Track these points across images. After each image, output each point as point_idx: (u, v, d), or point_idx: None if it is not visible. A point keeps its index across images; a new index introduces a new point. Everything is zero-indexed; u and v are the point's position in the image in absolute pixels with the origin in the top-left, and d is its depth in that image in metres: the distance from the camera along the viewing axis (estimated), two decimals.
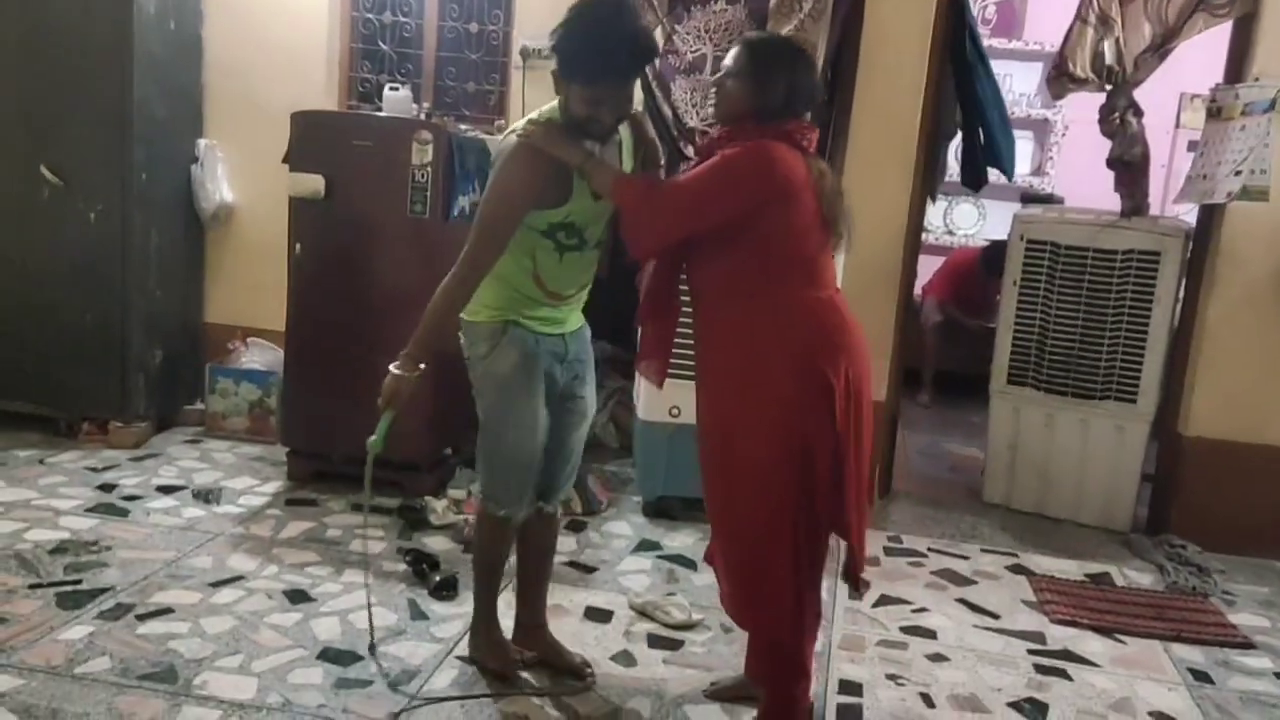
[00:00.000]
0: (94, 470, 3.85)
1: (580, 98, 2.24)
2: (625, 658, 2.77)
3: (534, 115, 2.36)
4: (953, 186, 5.49)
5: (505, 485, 2.49)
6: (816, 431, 2.18)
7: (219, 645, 2.65)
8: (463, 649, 2.70)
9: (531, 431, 2.45)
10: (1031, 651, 3.01)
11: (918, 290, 5.74)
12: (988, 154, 4.35)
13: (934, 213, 6.69)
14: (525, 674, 2.62)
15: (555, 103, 2.35)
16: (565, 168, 2.29)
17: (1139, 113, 3.97)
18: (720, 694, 2.60)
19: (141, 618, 2.76)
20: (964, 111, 4.23)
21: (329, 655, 2.64)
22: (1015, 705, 2.69)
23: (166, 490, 3.70)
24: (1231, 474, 3.88)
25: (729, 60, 2.30)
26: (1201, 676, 2.94)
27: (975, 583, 3.49)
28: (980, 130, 4.24)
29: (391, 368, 2.32)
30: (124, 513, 3.47)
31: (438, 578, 3.05)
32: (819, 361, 2.18)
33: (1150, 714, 2.71)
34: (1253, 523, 3.88)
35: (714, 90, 2.58)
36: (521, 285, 2.40)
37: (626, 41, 2.21)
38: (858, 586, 2.38)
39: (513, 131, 2.36)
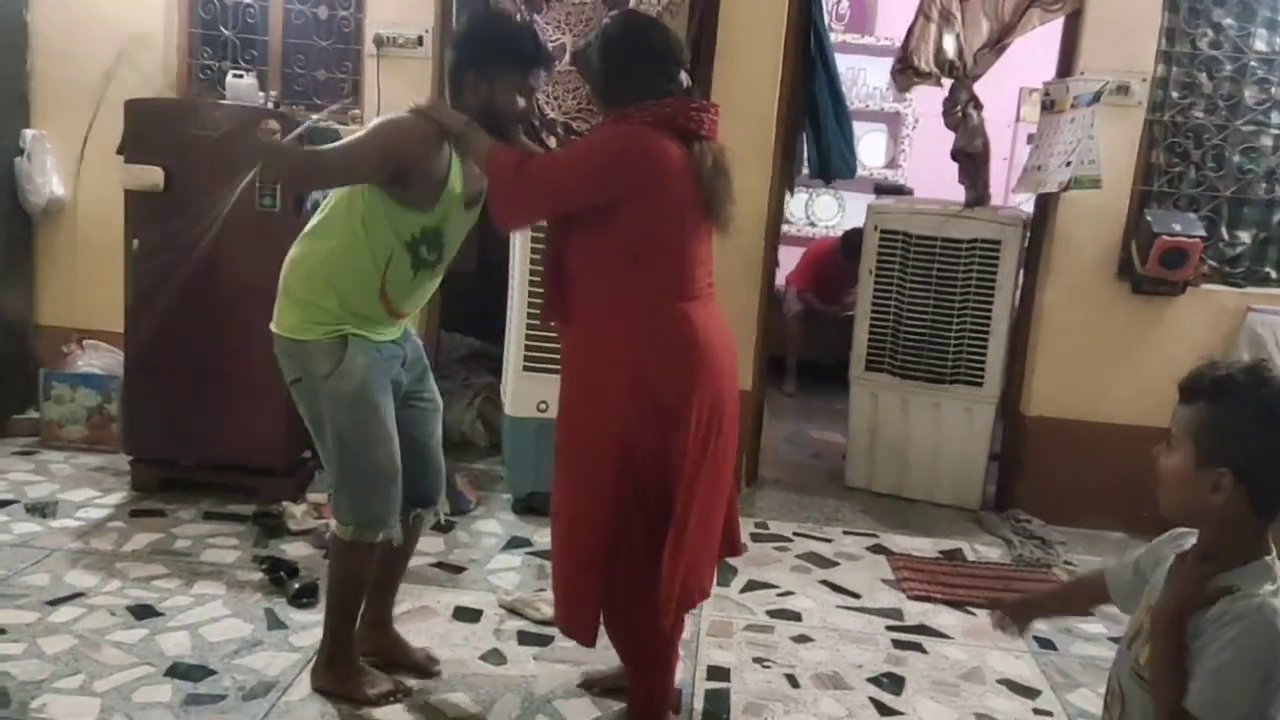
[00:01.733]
0: None
1: (511, 88, 2.26)
2: (495, 656, 2.74)
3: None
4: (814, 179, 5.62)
5: (383, 506, 2.37)
6: (640, 450, 2.14)
7: (58, 666, 2.49)
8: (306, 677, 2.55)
9: (392, 443, 2.36)
10: (890, 628, 3.12)
11: (780, 281, 5.87)
12: (822, 151, 4.48)
13: (796, 205, 6.86)
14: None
15: None
16: (436, 154, 2.24)
17: (979, 106, 4.15)
18: (591, 684, 2.59)
19: None
20: (811, 106, 4.34)
21: (178, 671, 2.52)
22: (875, 680, 2.79)
23: None
24: (1069, 450, 4.11)
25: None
26: (1046, 644, 3.11)
27: (838, 564, 3.59)
28: (820, 126, 4.37)
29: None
30: None
31: (297, 585, 2.94)
32: (650, 381, 2.13)
33: (999, 681, 2.84)
34: (1090, 495, 4.11)
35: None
36: (363, 304, 2.29)
37: (545, 41, 2.25)
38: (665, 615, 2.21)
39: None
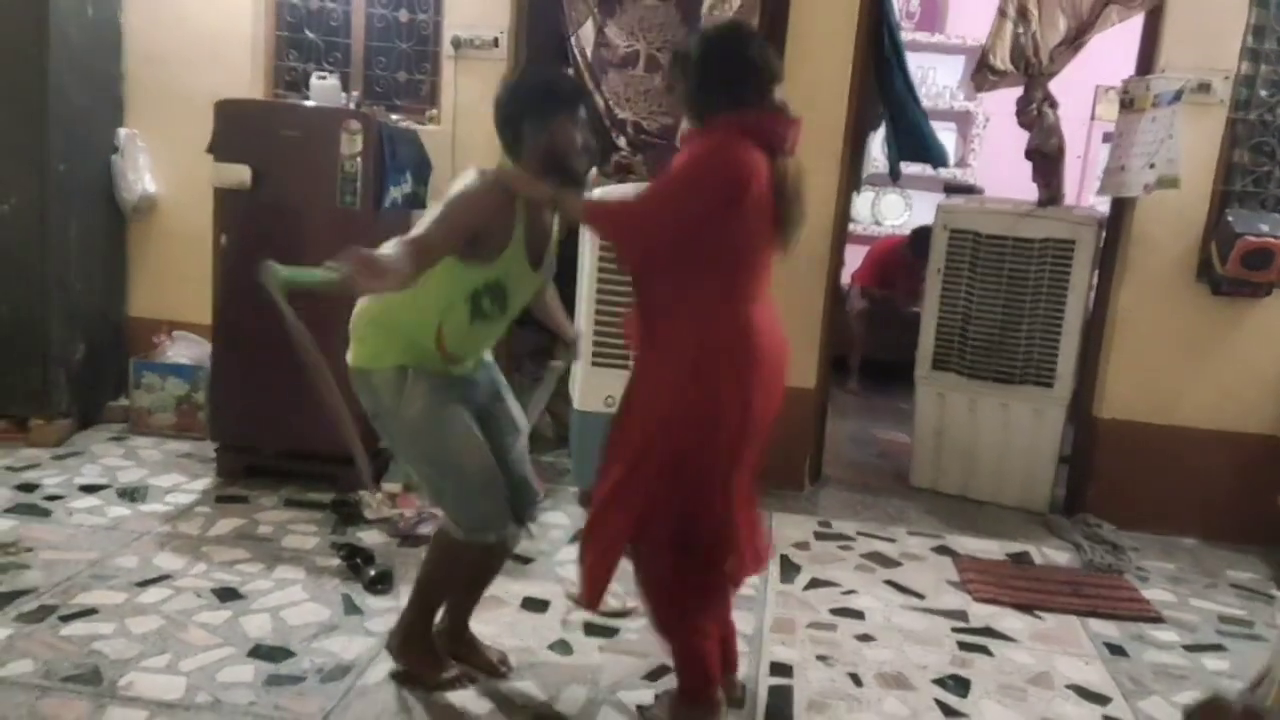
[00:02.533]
0: (13, 470, 3.75)
1: (566, 126, 2.31)
2: (562, 646, 2.80)
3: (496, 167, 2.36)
4: (880, 178, 5.60)
5: (489, 510, 2.41)
6: (686, 443, 2.20)
7: (145, 645, 2.61)
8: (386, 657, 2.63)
9: (479, 446, 2.39)
10: (955, 630, 3.11)
11: (845, 279, 5.86)
12: (917, 147, 4.46)
13: (862, 204, 6.83)
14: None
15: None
16: (509, 217, 2.30)
17: (1055, 104, 4.10)
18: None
19: (64, 619, 2.70)
20: (884, 105, 4.33)
21: (260, 652, 2.62)
22: (939, 681, 2.78)
23: (90, 489, 3.62)
24: (1143, 454, 4.04)
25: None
26: (1116, 650, 3.07)
27: (902, 564, 3.58)
28: (900, 123, 4.35)
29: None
30: (45, 513, 3.39)
31: (373, 572, 3.04)
32: (712, 384, 2.18)
33: (1068, 687, 2.82)
34: (1163, 501, 4.04)
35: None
36: (421, 340, 2.34)
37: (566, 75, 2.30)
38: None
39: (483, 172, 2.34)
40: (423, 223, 2.26)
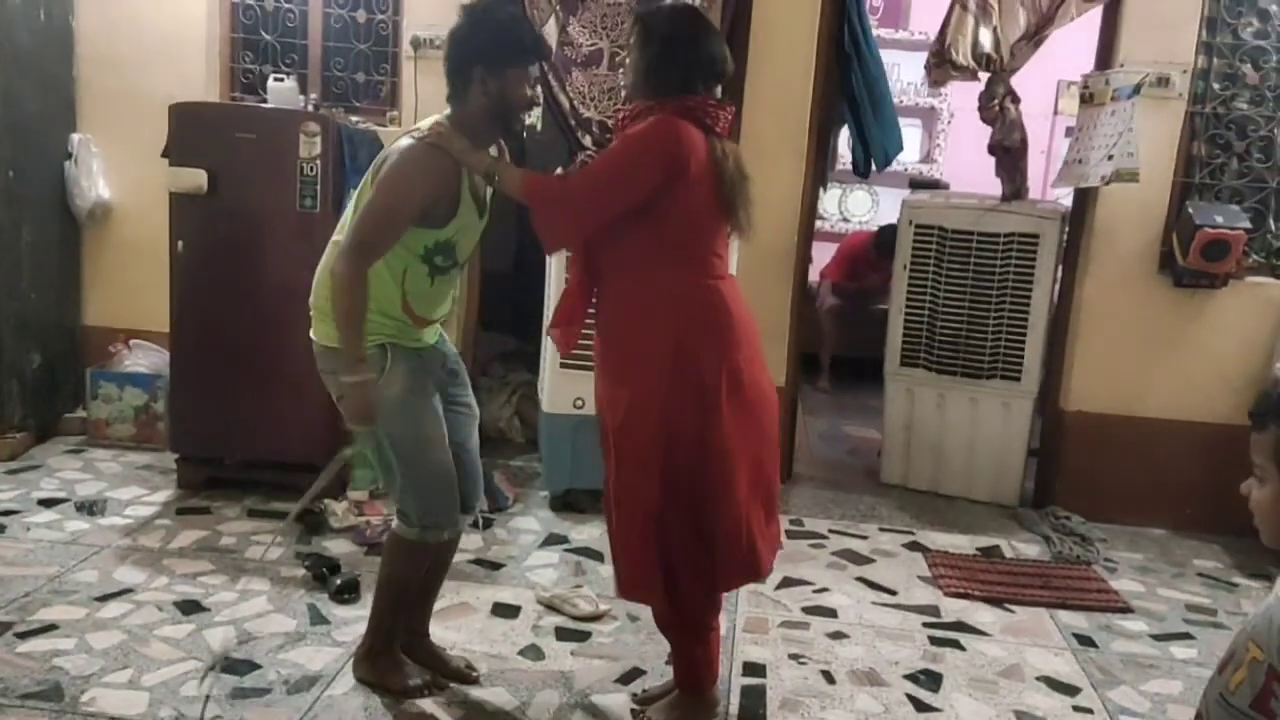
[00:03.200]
0: None
1: (520, 79, 2.28)
2: (534, 651, 2.77)
3: (422, 125, 2.32)
4: (847, 174, 5.61)
5: (443, 505, 2.41)
6: (681, 422, 2.19)
7: (107, 660, 2.55)
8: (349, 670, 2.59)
9: (445, 442, 2.40)
10: (927, 625, 3.11)
11: (814, 276, 5.86)
12: (864, 144, 4.47)
13: (829, 200, 6.84)
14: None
15: (439, 116, 2.32)
16: (454, 182, 2.27)
17: (1017, 99, 4.11)
18: (648, 701, 2.54)
19: (22, 635, 2.64)
20: (847, 102, 4.33)
21: (224, 665, 2.57)
22: (911, 677, 2.78)
23: (47, 503, 3.54)
24: (1110, 446, 4.07)
25: (636, 20, 2.32)
26: (1085, 641, 3.08)
27: (874, 561, 3.58)
28: (858, 120, 4.36)
29: (345, 379, 2.23)
30: (1, 528, 3.31)
31: (339, 581, 2.99)
32: (692, 352, 2.19)
33: (1038, 678, 2.83)
34: (1131, 492, 4.08)
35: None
36: (389, 310, 2.32)
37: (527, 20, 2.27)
38: (724, 584, 2.38)
39: (408, 135, 2.31)
40: (367, 211, 2.21)
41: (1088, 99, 3.98)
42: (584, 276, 2.35)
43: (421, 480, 2.38)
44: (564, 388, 3.69)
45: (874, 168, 4.57)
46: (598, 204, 2.21)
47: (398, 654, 2.54)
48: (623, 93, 3.89)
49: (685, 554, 2.27)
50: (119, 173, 4.30)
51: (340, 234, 2.34)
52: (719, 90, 2.30)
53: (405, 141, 2.28)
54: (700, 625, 2.37)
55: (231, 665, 2.57)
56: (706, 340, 2.21)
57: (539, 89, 2.38)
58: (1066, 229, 4.14)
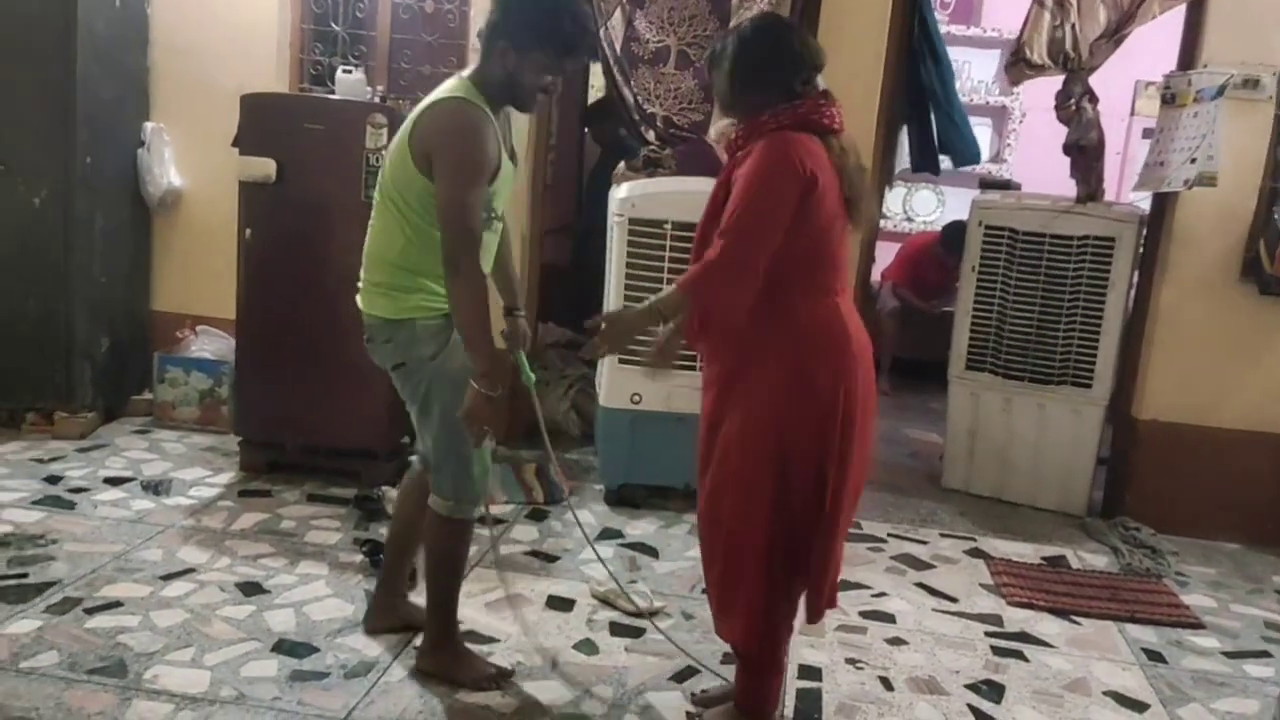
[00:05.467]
0: (39, 462, 3.75)
1: (540, 66, 2.27)
2: (588, 646, 2.75)
3: (457, 86, 2.29)
4: (910, 173, 5.51)
5: (477, 484, 2.43)
6: (796, 447, 2.14)
7: (170, 638, 2.59)
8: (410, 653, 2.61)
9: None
10: (989, 634, 3.03)
11: (876, 277, 5.77)
12: (945, 143, 4.39)
13: (893, 199, 6.74)
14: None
15: (464, 76, 2.31)
16: (496, 146, 2.27)
17: (1094, 99, 4.00)
18: (707, 702, 2.51)
19: (90, 611, 2.69)
20: (912, 99, 4.25)
21: (283, 648, 2.59)
22: (973, 687, 2.71)
23: (114, 482, 3.62)
24: (1184, 457, 3.94)
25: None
26: (1155, 656, 2.99)
27: (934, 567, 3.51)
28: (932, 118, 4.28)
29: (475, 386, 2.22)
30: (71, 505, 3.38)
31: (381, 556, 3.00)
32: (810, 375, 2.13)
33: (1105, 693, 2.74)
34: (1204, 505, 3.94)
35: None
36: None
37: (593, 26, 2.24)
38: (813, 616, 2.30)
39: (449, 98, 2.27)
40: (450, 200, 2.20)
41: (1169, 100, 3.85)
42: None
43: (464, 455, 2.38)
44: (621, 383, 3.67)
45: (947, 164, 4.48)
46: (754, 253, 2.10)
47: (461, 645, 2.55)
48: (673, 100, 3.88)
49: (785, 583, 2.22)
50: (190, 161, 4.37)
51: (379, 193, 2.36)
52: (820, 81, 2.21)
53: (450, 108, 2.24)
54: (778, 654, 2.32)
55: (291, 647, 2.60)
56: (825, 363, 2.14)
57: (559, 81, 2.34)
58: (1144, 233, 4.02)
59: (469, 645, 2.60)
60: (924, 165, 4.50)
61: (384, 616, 2.69)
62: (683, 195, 3.51)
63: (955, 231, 4.88)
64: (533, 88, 2.30)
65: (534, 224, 4.31)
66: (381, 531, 3.35)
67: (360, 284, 2.43)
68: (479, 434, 2.29)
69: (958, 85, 4.68)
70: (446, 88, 2.31)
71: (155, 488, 3.58)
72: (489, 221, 2.36)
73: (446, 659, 2.51)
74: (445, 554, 2.49)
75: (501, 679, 2.50)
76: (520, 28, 2.24)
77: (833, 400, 2.13)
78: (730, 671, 2.48)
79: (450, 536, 2.47)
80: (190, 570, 2.98)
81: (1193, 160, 3.65)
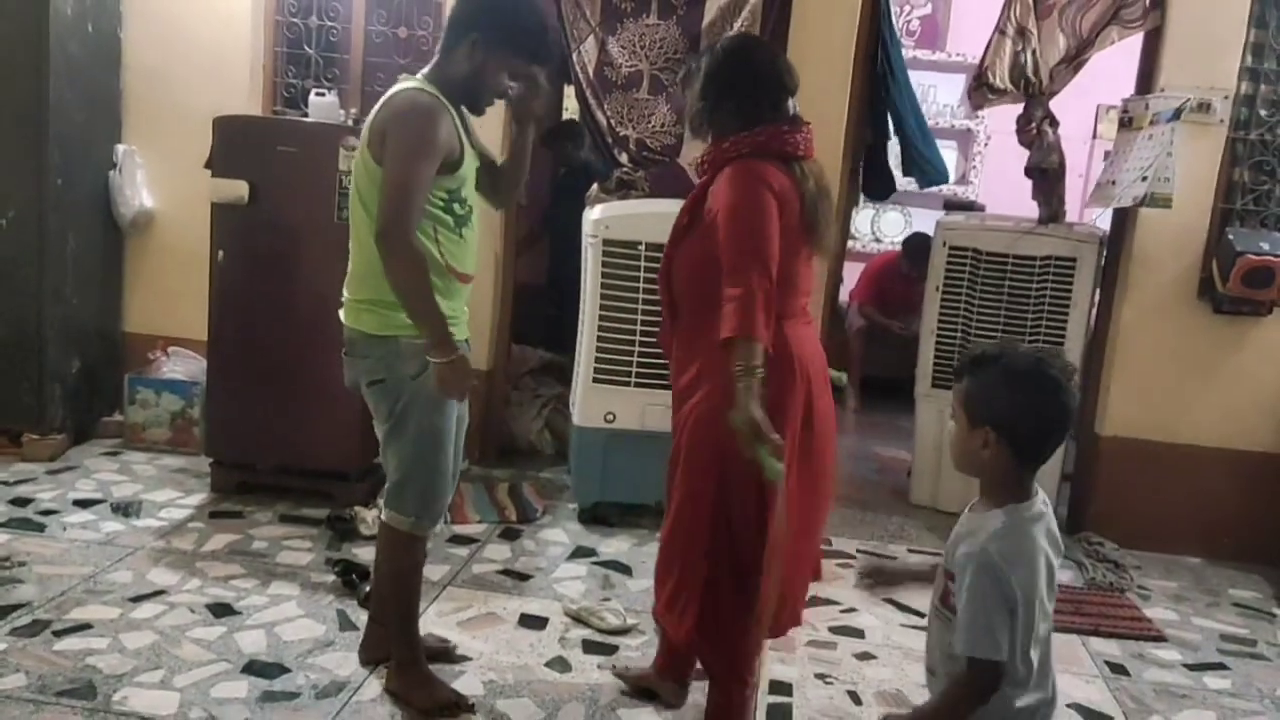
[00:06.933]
0: (6, 484, 3.72)
1: (501, 69, 2.31)
2: (560, 664, 2.77)
3: (413, 82, 2.32)
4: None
5: (438, 502, 2.46)
6: (733, 464, 2.15)
7: (139, 660, 2.58)
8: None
9: (451, 445, 2.45)
10: None
11: (843, 297, 5.85)
12: (909, 164, 4.47)
13: (861, 220, 6.83)
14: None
15: (420, 75, 2.34)
16: (456, 132, 2.29)
17: (1055, 123, 4.10)
18: (623, 676, 2.64)
19: (58, 634, 2.68)
20: (875, 123, 4.33)
21: (254, 668, 2.59)
22: None
23: (84, 504, 3.59)
24: (1146, 472, 4.01)
25: (682, 74, 2.33)
26: (1118, 669, 3.04)
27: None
28: (900, 140, 4.36)
29: (437, 361, 2.22)
30: (39, 527, 3.36)
31: (368, 588, 3.00)
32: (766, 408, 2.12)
33: (1069, 705, 2.78)
34: (1166, 519, 4.02)
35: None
36: (436, 273, 2.29)
37: (555, 24, 2.26)
38: (771, 631, 2.35)
39: (403, 89, 2.30)
40: (392, 182, 2.19)
41: (1127, 123, 3.95)
42: (666, 313, 2.40)
43: (429, 473, 2.40)
44: (595, 401, 3.70)
45: (913, 185, 4.55)
46: (766, 266, 2.12)
47: (425, 667, 2.54)
48: (646, 125, 3.93)
49: (732, 590, 2.25)
50: (162, 183, 4.37)
51: (352, 209, 2.37)
52: (792, 105, 2.24)
53: (403, 97, 2.27)
54: (738, 666, 2.34)
55: (262, 668, 2.59)
56: (779, 396, 2.16)
57: (519, 85, 2.37)
58: (1104, 253, 4.11)
59: (441, 665, 2.62)
60: (877, 193, 4.57)
61: (380, 647, 2.64)
62: (656, 217, 3.54)
63: (916, 243, 4.95)
64: (493, 88, 2.33)
65: (506, 244, 4.34)
66: (354, 552, 3.35)
67: (344, 300, 2.43)
68: (462, 395, 2.33)
69: (922, 109, 4.76)
70: (402, 84, 2.34)
71: (125, 509, 3.57)
72: (466, 218, 2.39)
73: (408, 681, 2.51)
74: (403, 571, 2.51)
75: (458, 709, 2.47)
76: (492, 25, 2.27)
77: (771, 419, 2.10)
78: (703, 688, 2.50)
79: (411, 552, 2.49)
80: (160, 592, 2.97)
81: (1144, 178, 3.75)
